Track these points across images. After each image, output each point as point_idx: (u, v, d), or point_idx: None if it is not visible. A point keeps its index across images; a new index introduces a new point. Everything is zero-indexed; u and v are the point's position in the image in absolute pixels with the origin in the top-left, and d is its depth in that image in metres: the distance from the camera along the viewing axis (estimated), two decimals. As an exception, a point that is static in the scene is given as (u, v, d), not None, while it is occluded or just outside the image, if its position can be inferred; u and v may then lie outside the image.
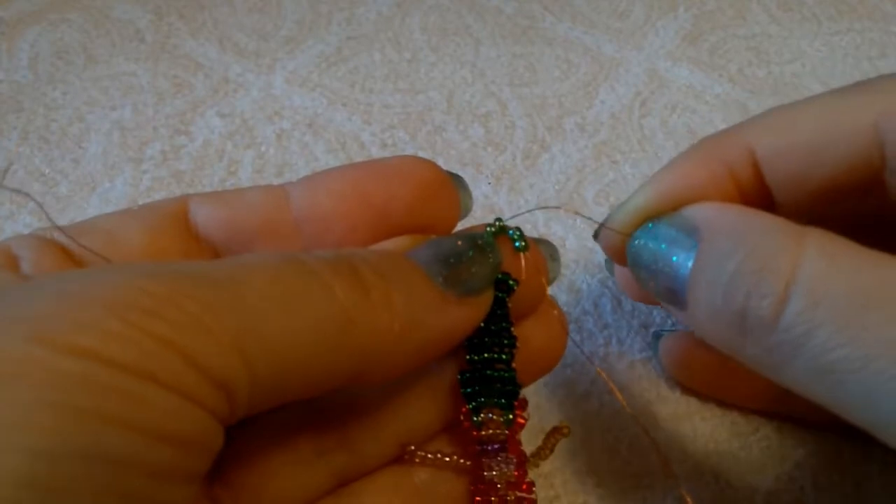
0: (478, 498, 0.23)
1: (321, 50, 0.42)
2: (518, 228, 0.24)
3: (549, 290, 0.26)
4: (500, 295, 0.23)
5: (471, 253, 0.22)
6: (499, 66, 0.42)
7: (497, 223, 0.24)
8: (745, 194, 0.24)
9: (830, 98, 0.23)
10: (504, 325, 0.23)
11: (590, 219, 0.28)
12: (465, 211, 0.25)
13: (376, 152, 0.38)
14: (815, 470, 0.29)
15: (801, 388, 0.20)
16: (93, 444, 0.14)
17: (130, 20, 0.43)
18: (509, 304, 0.23)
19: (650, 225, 0.23)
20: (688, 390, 0.31)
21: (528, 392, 0.26)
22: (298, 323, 0.17)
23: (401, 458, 0.23)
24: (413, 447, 0.23)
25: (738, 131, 0.24)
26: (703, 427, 0.30)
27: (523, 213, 0.36)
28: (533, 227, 0.36)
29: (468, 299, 0.21)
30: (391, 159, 0.24)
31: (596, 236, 0.26)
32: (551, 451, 0.25)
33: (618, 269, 0.30)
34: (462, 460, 0.23)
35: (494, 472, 0.22)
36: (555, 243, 0.26)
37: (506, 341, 0.23)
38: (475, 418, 0.23)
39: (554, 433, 0.25)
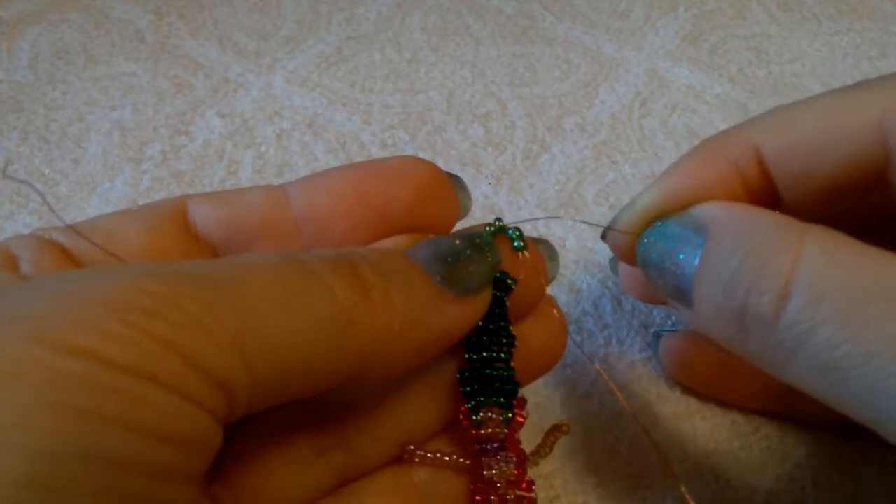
0: (478, 497, 0.23)
1: (321, 50, 0.42)
2: (517, 228, 0.24)
3: (549, 291, 0.26)
4: (498, 294, 0.23)
5: (469, 252, 0.22)
6: (499, 66, 0.42)
7: (496, 223, 0.24)
8: (752, 192, 0.24)
9: (835, 96, 0.23)
10: (502, 323, 0.23)
11: (591, 223, 0.28)
12: (464, 211, 0.25)
13: (376, 152, 0.38)
14: (815, 470, 0.29)
15: (804, 385, 0.20)
16: (92, 445, 0.14)
17: (130, 20, 0.43)
18: (508, 304, 0.23)
19: (659, 224, 0.24)
20: (688, 390, 0.31)
21: (528, 392, 0.26)
22: (298, 323, 0.17)
23: (400, 457, 0.23)
24: (412, 447, 0.23)
25: (744, 130, 0.24)
26: (703, 427, 0.30)
27: (530, 220, 0.36)
28: (533, 227, 0.36)
29: (466, 298, 0.21)
30: (391, 159, 0.24)
31: (604, 237, 0.26)
32: (551, 449, 0.25)
33: (622, 269, 0.30)
34: (462, 459, 0.23)
35: (494, 471, 0.22)
36: (555, 244, 0.26)
37: (504, 340, 0.23)
38: (474, 417, 0.23)
39: (553, 431, 0.25)
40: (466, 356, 0.23)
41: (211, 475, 0.21)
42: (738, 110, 0.41)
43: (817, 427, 0.30)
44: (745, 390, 0.30)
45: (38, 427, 0.14)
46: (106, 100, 0.39)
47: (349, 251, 0.20)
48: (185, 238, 0.23)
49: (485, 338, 0.23)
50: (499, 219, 0.24)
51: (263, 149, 0.38)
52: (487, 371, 0.23)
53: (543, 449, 0.25)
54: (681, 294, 0.22)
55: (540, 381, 0.27)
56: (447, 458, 0.23)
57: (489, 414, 0.23)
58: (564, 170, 0.38)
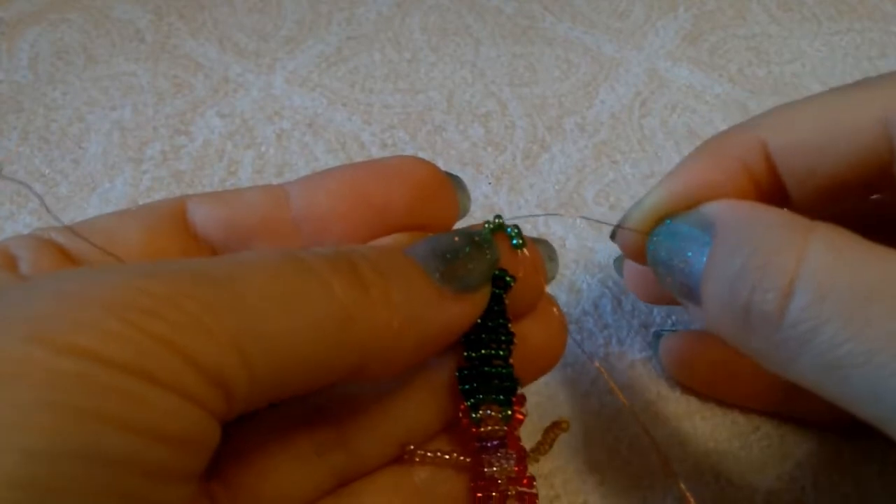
0: (479, 494, 0.23)
1: (321, 50, 0.42)
2: (516, 226, 0.24)
3: (549, 291, 0.26)
4: (497, 291, 0.23)
5: (468, 249, 0.22)
6: (499, 66, 0.42)
7: (496, 220, 0.24)
8: (761, 189, 0.24)
9: (839, 93, 0.23)
10: (501, 321, 0.23)
11: (594, 219, 0.28)
12: (463, 211, 0.25)
13: (376, 152, 0.38)
14: (815, 470, 0.29)
15: (809, 383, 0.20)
16: (91, 444, 0.14)
17: (130, 20, 0.43)
18: (506, 301, 0.23)
19: (668, 222, 0.24)
20: (688, 390, 0.31)
21: (528, 391, 0.26)
22: (298, 321, 0.17)
23: (400, 457, 0.23)
24: (412, 446, 0.23)
25: (750, 127, 0.24)
26: (703, 426, 0.30)
27: (532, 216, 0.36)
28: (533, 226, 0.36)
29: (465, 295, 0.21)
30: (390, 159, 0.24)
31: (613, 236, 0.27)
32: (550, 445, 0.25)
33: (627, 269, 0.30)
34: (462, 457, 0.23)
35: (494, 468, 0.22)
36: (555, 243, 0.26)
37: (503, 337, 0.23)
38: (474, 415, 0.23)
39: (553, 428, 0.25)
40: (465, 354, 0.23)
41: (209, 474, 0.21)
42: (738, 110, 0.41)
43: (818, 427, 0.30)
44: (746, 390, 0.30)
45: (36, 427, 0.14)
46: (106, 100, 0.39)
47: (348, 249, 0.20)
48: (184, 238, 0.23)
49: (483, 335, 0.23)
50: (499, 216, 0.24)
51: (263, 149, 0.38)
52: (486, 368, 0.23)
53: (543, 446, 0.25)
54: (690, 292, 0.22)
55: (540, 380, 0.27)
56: (447, 457, 0.23)
57: (488, 411, 0.23)
58: (564, 170, 0.38)
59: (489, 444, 0.23)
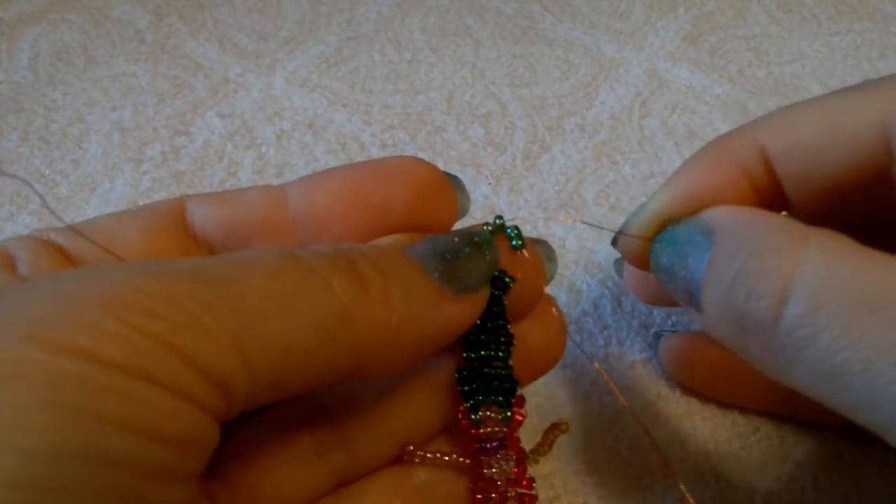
0: (478, 496, 0.23)
1: (321, 50, 0.42)
2: (516, 227, 0.24)
3: (549, 291, 0.26)
4: (496, 292, 0.23)
5: (468, 250, 0.22)
6: (499, 66, 0.42)
7: (496, 221, 0.24)
8: (760, 193, 0.24)
9: (837, 97, 0.23)
10: (500, 322, 0.23)
11: (593, 224, 0.28)
12: (462, 212, 0.25)
13: (376, 153, 0.38)
14: (815, 470, 0.29)
15: (807, 389, 0.20)
16: (91, 445, 0.14)
17: (130, 20, 0.43)
18: (506, 302, 0.23)
19: (669, 228, 0.24)
20: (688, 390, 0.31)
21: (528, 392, 0.26)
22: (297, 320, 0.17)
23: (400, 457, 0.23)
24: (412, 447, 0.23)
25: (749, 130, 0.24)
26: (703, 427, 0.30)
27: (535, 218, 0.36)
28: (533, 227, 0.36)
29: (464, 296, 0.21)
30: (389, 159, 0.24)
31: (615, 242, 0.27)
32: (550, 447, 0.25)
33: (627, 272, 0.30)
34: (461, 459, 0.23)
35: (494, 470, 0.22)
36: (554, 243, 0.26)
37: (502, 339, 0.23)
38: (473, 416, 0.23)
39: (553, 429, 0.25)
40: (465, 355, 0.23)
41: (209, 473, 0.21)
42: (738, 111, 0.41)
43: (817, 427, 0.30)
44: (746, 391, 0.30)
45: (35, 427, 0.14)
46: (106, 100, 0.39)
47: (347, 247, 0.20)
48: (183, 238, 0.23)
49: (483, 336, 0.23)
50: (499, 217, 0.24)
51: (263, 149, 0.38)
52: (486, 370, 0.23)
53: (543, 447, 0.25)
54: (691, 298, 0.22)
55: (540, 381, 0.27)
56: (447, 458, 0.23)
57: (488, 413, 0.23)
58: (564, 170, 0.38)
59: (489, 446, 0.23)
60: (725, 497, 0.29)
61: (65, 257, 0.22)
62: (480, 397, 0.23)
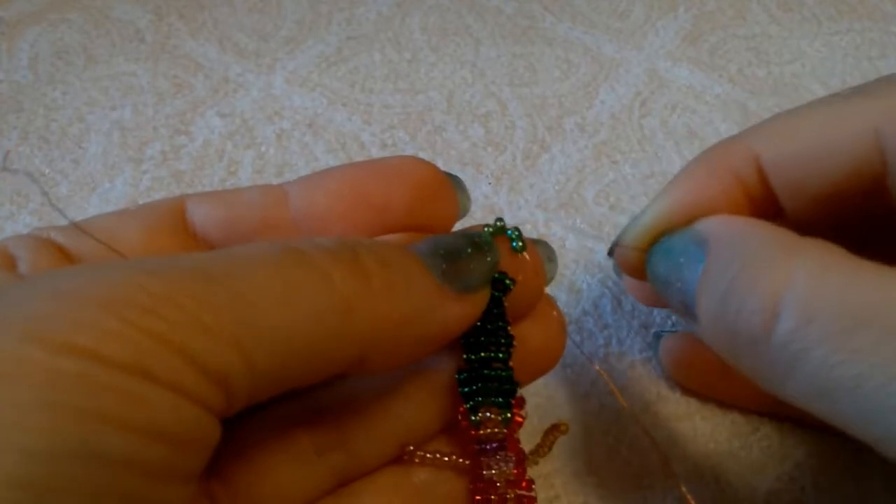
0: (477, 497, 0.23)
1: (321, 50, 0.42)
2: (517, 228, 0.24)
3: (549, 291, 0.26)
4: (496, 294, 0.23)
5: (469, 250, 0.22)
6: (499, 66, 0.42)
7: (497, 223, 0.24)
8: (754, 202, 0.24)
9: (830, 104, 0.23)
10: (501, 324, 0.23)
11: (593, 234, 0.28)
12: (463, 212, 0.25)
13: (376, 152, 0.38)
14: (815, 470, 0.29)
15: (802, 403, 0.20)
16: (91, 444, 0.14)
17: (130, 20, 0.43)
18: (506, 304, 0.23)
19: (665, 239, 0.24)
20: (688, 390, 0.31)
21: (528, 392, 0.26)
22: (298, 315, 0.17)
23: (400, 458, 0.23)
24: (412, 447, 0.23)
25: (742, 139, 0.24)
26: (703, 427, 0.30)
27: (540, 220, 0.36)
28: (533, 227, 0.36)
29: (465, 296, 0.21)
30: (390, 159, 0.24)
31: (611, 253, 0.27)
32: (550, 448, 0.25)
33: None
34: (461, 460, 0.23)
35: (494, 471, 0.22)
36: (554, 243, 0.26)
37: (503, 340, 0.23)
38: (473, 417, 0.23)
39: (552, 431, 0.25)
40: (465, 357, 0.23)
41: (209, 473, 0.21)
42: (738, 110, 0.41)
43: (818, 427, 0.30)
44: (745, 391, 0.30)
45: (36, 427, 0.14)
46: (106, 100, 0.39)
47: (352, 239, 0.20)
48: (183, 237, 0.23)
49: (483, 338, 0.23)
50: (500, 219, 0.24)
51: (263, 149, 0.38)
52: (486, 371, 0.23)
53: (542, 448, 0.25)
54: (687, 309, 0.22)
55: (540, 381, 0.27)
56: (447, 459, 0.23)
57: (488, 414, 0.23)
58: (564, 170, 0.38)
59: (488, 447, 0.23)
60: (725, 497, 0.29)
61: (65, 256, 0.22)
62: (480, 399, 0.23)
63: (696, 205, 0.23)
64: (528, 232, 0.31)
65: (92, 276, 0.16)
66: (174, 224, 0.23)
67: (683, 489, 0.27)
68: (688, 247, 0.22)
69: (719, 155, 0.24)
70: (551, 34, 0.44)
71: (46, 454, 0.14)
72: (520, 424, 0.23)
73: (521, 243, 0.24)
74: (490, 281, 0.22)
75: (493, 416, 0.23)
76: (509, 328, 0.23)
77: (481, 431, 0.23)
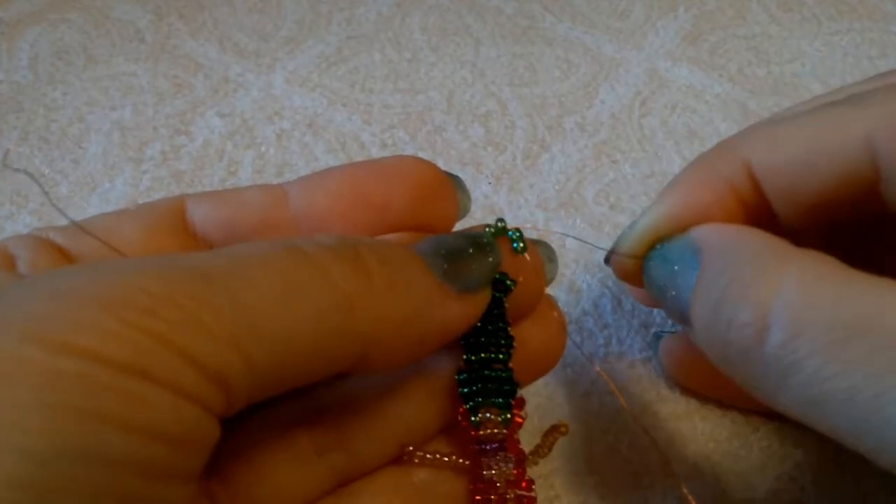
0: (477, 497, 0.23)
1: (321, 50, 0.42)
2: (518, 229, 0.24)
3: (549, 291, 0.26)
4: (497, 295, 0.23)
5: (471, 251, 0.22)
6: (499, 66, 0.42)
7: (498, 223, 0.24)
8: (748, 209, 0.24)
9: (822, 112, 0.23)
10: (501, 324, 0.23)
11: (590, 243, 0.28)
12: (463, 211, 0.25)
13: (376, 152, 0.38)
14: (815, 470, 0.29)
15: (796, 414, 0.20)
16: (91, 445, 0.14)
17: (130, 20, 0.43)
18: (506, 304, 0.23)
19: (660, 247, 0.24)
20: (687, 390, 0.31)
21: (528, 392, 0.26)
22: (298, 314, 0.17)
23: (400, 458, 0.23)
24: (412, 447, 0.23)
25: (734, 146, 0.24)
26: (703, 427, 0.30)
27: (555, 232, 0.36)
28: (533, 227, 0.36)
29: (466, 296, 0.21)
30: (390, 159, 0.24)
31: (607, 261, 0.27)
32: (550, 449, 0.25)
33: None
34: (461, 460, 0.23)
35: (493, 471, 0.22)
36: (554, 243, 0.26)
37: (503, 341, 0.23)
38: (473, 418, 0.23)
39: (552, 431, 0.25)
40: (465, 357, 0.23)
41: (209, 473, 0.21)
42: (738, 110, 0.41)
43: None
44: (745, 393, 0.30)
45: (35, 428, 0.14)
46: (106, 100, 0.39)
47: (353, 238, 0.20)
48: (183, 237, 0.23)
49: (483, 339, 0.23)
50: (501, 219, 0.24)
51: (263, 149, 0.38)
52: (486, 372, 0.23)
53: (542, 449, 0.25)
54: (682, 317, 0.22)
55: (540, 381, 0.27)
56: (447, 459, 0.23)
57: (488, 414, 0.23)
58: (564, 170, 0.38)
59: (488, 447, 0.23)
60: (725, 497, 0.29)
61: (64, 256, 0.22)
62: (480, 399, 0.23)
63: (691, 212, 0.23)
64: (528, 233, 0.30)
65: (91, 276, 0.16)
66: (174, 224, 0.23)
67: (683, 489, 0.27)
68: (682, 254, 0.22)
69: (712, 162, 0.24)
70: (551, 34, 0.44)
71: (46, 454, 0.14)
72: (520, 425, 0.23)
73: (522, 244, 0.24)
74: (491, 281, 0.22)
75: (492, 416, 0.23)
76: (509, 329, 0.23)
77: (481, 432, 0.23)
